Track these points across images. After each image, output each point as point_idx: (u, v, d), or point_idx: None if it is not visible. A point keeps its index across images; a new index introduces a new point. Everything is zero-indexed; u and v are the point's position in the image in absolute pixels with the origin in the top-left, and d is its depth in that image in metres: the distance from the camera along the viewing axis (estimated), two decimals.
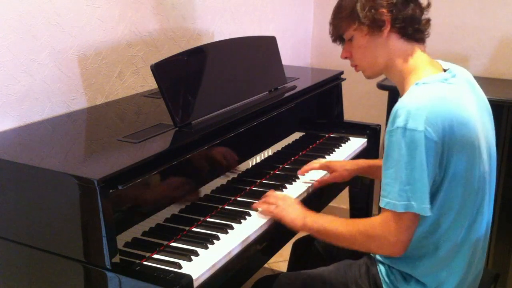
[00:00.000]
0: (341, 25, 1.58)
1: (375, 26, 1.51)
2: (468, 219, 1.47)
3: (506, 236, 2.70)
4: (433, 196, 1.42)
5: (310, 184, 1.93)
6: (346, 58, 1.63)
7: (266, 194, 1.75)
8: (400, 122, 1.37)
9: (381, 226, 1.43)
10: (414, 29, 1.52)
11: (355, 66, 1.63)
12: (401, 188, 1.37)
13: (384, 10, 1.50)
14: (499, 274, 1.82)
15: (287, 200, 1.69)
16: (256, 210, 1.70)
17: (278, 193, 1.77)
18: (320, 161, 2.00)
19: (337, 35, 1.61)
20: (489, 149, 1.53)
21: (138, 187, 1.45)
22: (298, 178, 1.97)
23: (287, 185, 1.90)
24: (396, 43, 1.53)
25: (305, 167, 1.97)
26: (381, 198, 1.42)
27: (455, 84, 1.47)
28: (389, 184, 1.40)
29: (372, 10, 1.50)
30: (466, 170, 1.43)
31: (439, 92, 1.42)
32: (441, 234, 1.47)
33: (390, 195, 1.40)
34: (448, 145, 1.38)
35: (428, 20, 1.56)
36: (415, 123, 1.35)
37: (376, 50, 1.55)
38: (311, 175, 1.99)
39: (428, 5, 1.57)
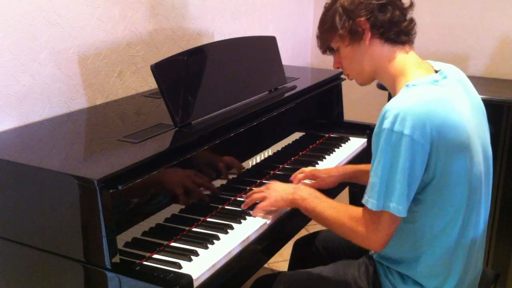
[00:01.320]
0: (325, 37, 1.60)
1: (355, 35, 1.52)
2: (464, 219, 1.47)
3: (506, 236, 2.70)
4: (421, 198, 1.43)
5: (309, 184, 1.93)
6: (338, 68, 1.65)
7: (250, 193, 1.73)
8: (387, 123, 1.37)
9: (361, 222, 1.45)
10: (395, 32, 1.51)
11: (348, 75, 1.64)
12: (381, 189, 1.39)
13: (361, 19, 1.50)
14: (499, 274, 1.82)
15: (272, 186, 1.70)
16: (249, 214, 1.68)
17: (262, 187, 1.74)
18: (306, 170, 1.97)
19: (325, 47, 1.63)
20: (484, 149, 1.52)
21: (138, 187, 1.45)
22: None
23: None
24: (380, 49, 1.53)
25: (294, 176, 1.95)
26: (364, 194, 1.44)
27: (446, 85, 1.46)
28: (371, 183, 1.42)
29: (350, 21, 1.51)
30: (458, 172, 1.42)
31: (428, 95, 1.41)
32: (436, 235, 1.47)
33: (370, 193, 1.42)
34: (436, 148, 1.37)
35: (411, 21, 1.54)
36: (401, 126, 1.35)
37: (361, 58, 1.55)
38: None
39: (411, 5, 1.55)
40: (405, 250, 1.48)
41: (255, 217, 1.66)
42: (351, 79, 1.64)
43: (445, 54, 2.99)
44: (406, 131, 1.34)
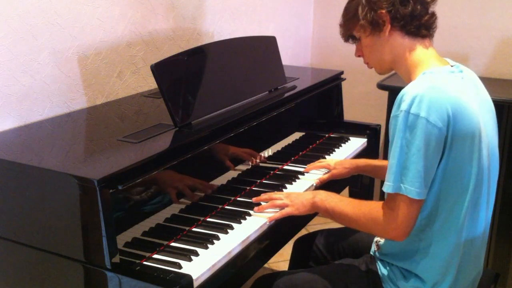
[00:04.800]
0: (348, 26, 1.63)
1: (376, 26, 1.55)
2: (466, 214, 1.48)
3: (506, 236, 2.70)
4: (431, 184, 1.44)
5: (309, 185, 1.94)
6: (359, 56, 1.67)
7: (267, 197, 1.74)
8: (404, 106, 1.40)
9: (380, 212, 1.47)
10: (415, 26, 1.53)
11: (367, 63, 1.67)
12: (396, 170, 1.41)
13: (383, 11, 1.52)
14: (499, 274, 1.82)
15: (291, 194, 1.74)
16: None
17: (279, 193, 1.77)
18: (323, 161, 2.07)
19: (347, 36, 1.66)
20: (490, 146, 1.53)
21: (138, 187, 1.45)
22: (298, 178, 1.98)
23: (287, 185, 1.90)
24: (399, 40, 1.55)
25: (310, 166, 2.04)
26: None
27: (460, 78, 1.50)
28: (389, 166, 1.43)
29: (372, 12, 1.54)
30: (463, 162, 1.44)
31: (445, 81, 1.45)
32: (439, 227, 1.48)
33: (387, 176, 1.44)
34: (451, 133, 1.40)
35: (432, 15, 1.56)
36: (418, 108, 1.37)
37: (381, 48, 1.58)
38: (311, 175, 2.00)
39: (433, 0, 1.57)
40: (410, 242, 1.49)
41: (270, 222, 1.66)
42: (371, 68, 1.67)
43: (445, 54, 2.96)
44: (423, 114, 1.37)
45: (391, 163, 1.43)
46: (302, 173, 2.01)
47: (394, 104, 1.45)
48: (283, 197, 1.71)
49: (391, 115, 1.45)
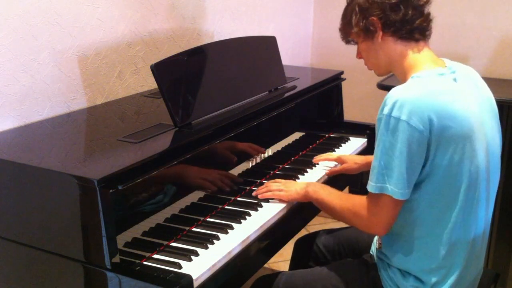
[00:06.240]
0: (345, 31, 1.67)
1: (368, 33, 1.58)
2: (461, 214, 1.48)
3: (506, 236, 2.70)
4: (421, 185, 1.46)
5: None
6: (360, 58, 1.69)
7: (266, 184, 1.83)
8: (386, 110, 1.43)
9: (363, 207, 1.51)
10: (407, 30, 1.54)
11: (367, 65, 1.69)
12: (379, 172, 1.44)
13: (374, 18, 1.55)
14: (499, 274, 1.82)
15: (289, 182, 1.82)
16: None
17: (278, 180, 1.85)
18: (334, 154, 2.13)
19: (346, 40, 1.69)
20: (488, 146, 1.53)
21: (138, 187, 1.45)
22: (298, 178, 1.97)
23: None
24: (393, 46, 1.57)
25: (320, 157, 2.09)
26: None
27: (451, 79, 1.50)
28: (372, 166, 1.47)
29: (364, 20, 1.57)
30: (455, 164, 1.44)
31: (431, 85, 1.46)
32: (433, 226, 1.48)
33: (370, 176, 1.47)
34: (436, 136, 1.41)
35: (427, 17, 1.56)
36: (399, 112, 1.40)
37: (376, 53, 1.61)
38: (312, 175, 2.00)
39: (427, 1, 1.57)
40: (404, 241, 1.51)
41: (262, 198, 1.77)
42: (371, 69, 1.70)
43: (445, 54, 2.97)
44: (403, 117, 1.39)
45: (374, 165, 1.46)
46: (302, 173, 2.01)
47: (380, 106, 1.46)
48: (280, 183, 1.80)
49: (377, 117, 1.47)
